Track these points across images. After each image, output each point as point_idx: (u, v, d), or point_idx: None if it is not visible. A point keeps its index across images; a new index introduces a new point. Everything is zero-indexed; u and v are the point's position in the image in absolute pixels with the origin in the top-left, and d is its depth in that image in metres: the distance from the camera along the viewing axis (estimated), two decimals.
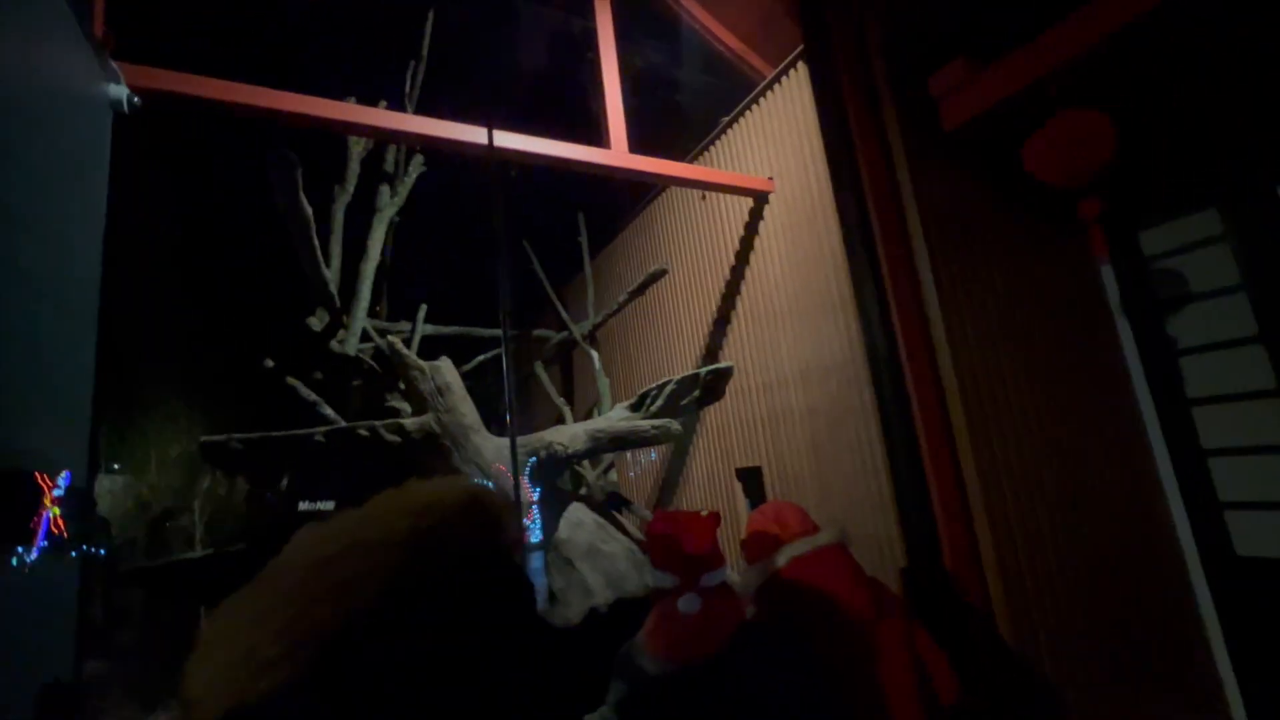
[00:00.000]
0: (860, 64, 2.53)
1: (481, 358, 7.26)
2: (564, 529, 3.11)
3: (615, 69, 4.75)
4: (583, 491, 6.68)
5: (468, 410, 3.26)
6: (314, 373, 4.52)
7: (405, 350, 3.27)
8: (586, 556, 3.05)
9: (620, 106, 4.69)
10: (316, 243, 3.24)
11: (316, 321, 4.38)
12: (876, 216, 2.37)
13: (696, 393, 3.98)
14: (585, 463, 6.76)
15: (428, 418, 3.21)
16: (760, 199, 5.41)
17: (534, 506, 3.13)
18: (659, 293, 7.02)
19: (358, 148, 4.69)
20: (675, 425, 3.60)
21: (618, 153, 4.58)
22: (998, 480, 2.21)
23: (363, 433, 3.05)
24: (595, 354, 6.84)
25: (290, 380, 4.14)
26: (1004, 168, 2.41)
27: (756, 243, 5.57)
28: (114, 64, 3.00)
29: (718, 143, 6.07)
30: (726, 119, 5.76)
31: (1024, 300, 2.57)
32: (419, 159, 5.16)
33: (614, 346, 8.01)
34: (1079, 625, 2.38)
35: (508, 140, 3.92)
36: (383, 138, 4.64)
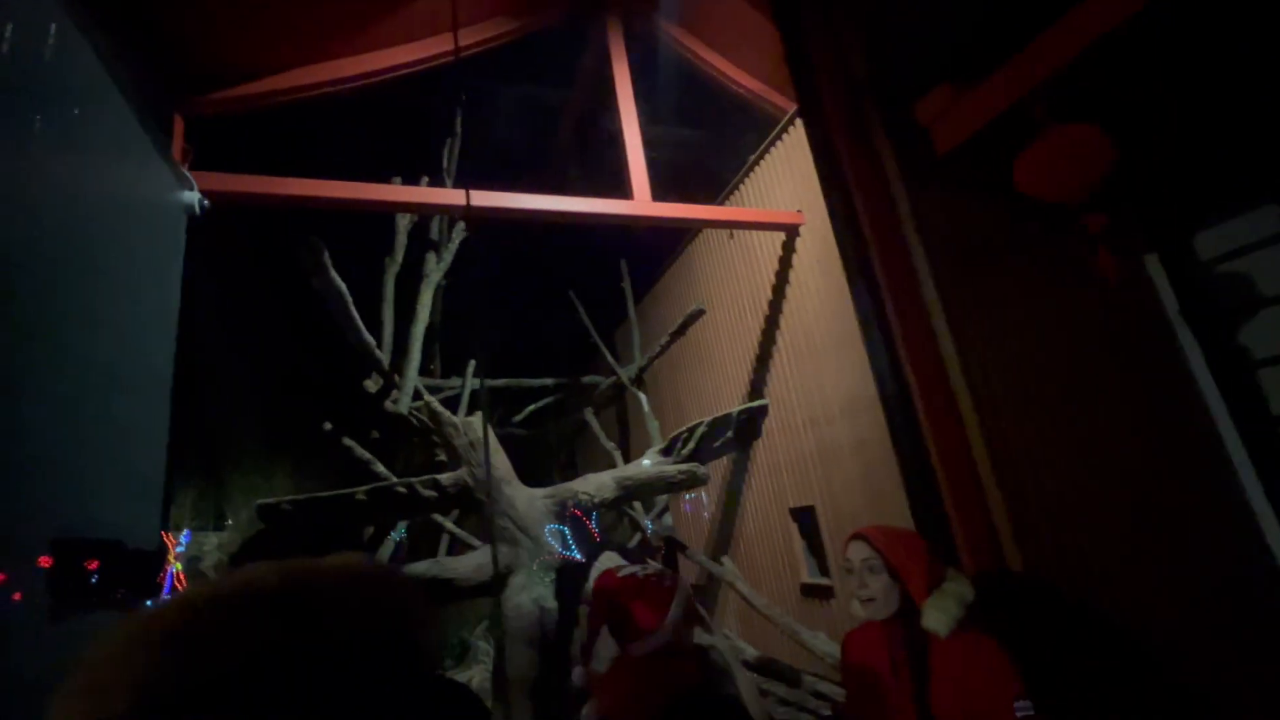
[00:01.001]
0: (849, 97, 2.51)
1: (532, 407, 7.49)
2: (594, 579, 3.11)
3: (635, 121, 4.94)
4: (635, 538, 6.63)
5: (500, 463, 3.36)
6: (371, 432, 4.83)
7: (440, 408, 3.46)
8: None
9: (641, 158, 4.85)
10: (354, 312, 3.53)
11: (372, 384, 4.70)
12: (877, 248, 2.31)
13: (730, 433, 3.92)
14: (638, 505, 6.73)
15: (462, 472, 3.34)
16: (791, 233, 5.38)
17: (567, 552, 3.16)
18: (702, 333, 7.04)
19: (404, 221, 5.11)
20: (702, 470, 3.55)
21: (641, 202, 4.72)
22: (1036, 531, 2.01)
23: (400, 490, 3.21)
24: (644, 397, 6.89)
25: (345, 441, 4.45)
26: (1009, 187, 2.30)
27: (791, 276, 5.51)
28: (187, 172, 3.46)
29: (746, 182, 6.12)
30: (752, 158, 5.82)
31: (1054, 322, 2.39)
32: (460, 226, 5.53)
33: (663, 389, 8.04)
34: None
35: (543, 203, 4.14)
36: (417, 210, 5.02)
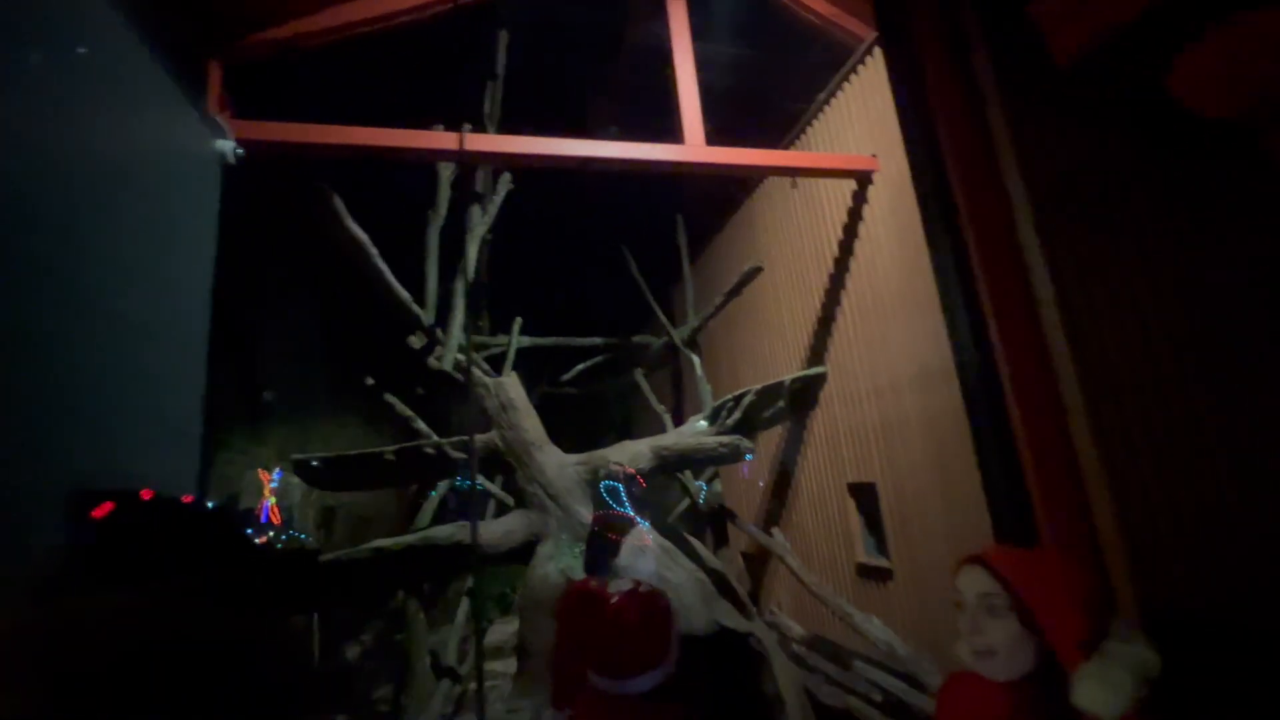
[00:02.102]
0: (941, 2, 2.02)
1: (581, 366, 7.33)
2: (626, 554, 2.93)
3: (689, 55, 4.46)
4: (683, 502, 6.45)
5: (531, 426, 3.20)
6: (416, 389, 4.81)
7: (472, 367, 3.30)
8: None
9: (695, 97, 4.40)
10: (380, 263, 3.38)
11: (416, 340, 4.65)
12: (963, 187, 1.87)
13: (781, 403, 3.57)
14: (688, 472, 6.51)
15: (492, 434, 3.20)
16: (862, 180, 4.81)
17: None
18: (760, 292, 6.58)
19: (446, 172, 4.92)
20: (746, 443, 3.25)
21: (693, 147, 4.30)
22: (1162, 552, 1.58)
23: (429, 451, 3.12)
24: (697, 359, 6.58)
25: (387, 397, 4.43)
26: (1152, 106, 1.78)
27: (861, 229, 4.96)
28: (221, 120, 3.38)
29: (814, 123, 5.51)
30: (821, 96, 5.21)
31: (1201, 286, 1.88)
32: (507, 177, 5.30)
33: (718, 351, 7.68)
34: None
35: (584, 149, 3.81)
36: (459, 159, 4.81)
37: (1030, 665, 1.14)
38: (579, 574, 2.99)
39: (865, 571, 5.04)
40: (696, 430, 3.38)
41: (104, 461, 2.27)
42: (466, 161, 2.65)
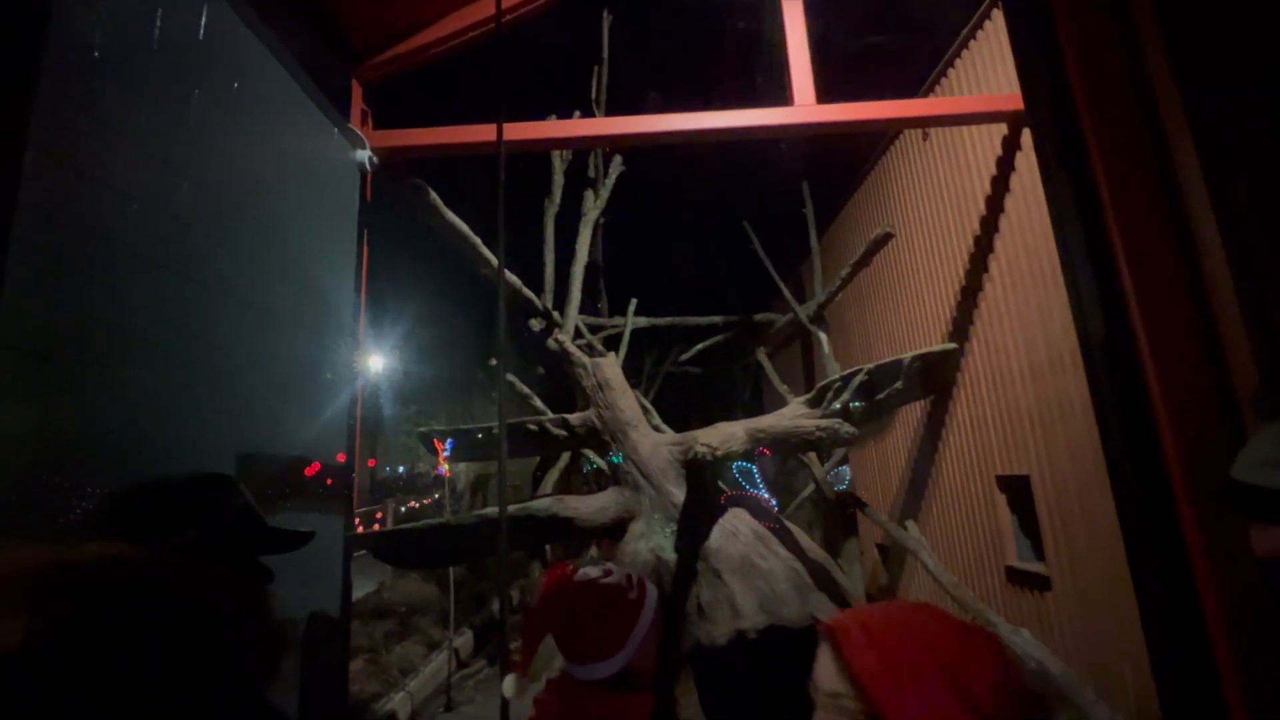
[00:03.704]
0: None
1: (701, 345, 7.22)
2: (716, 537, 2.84)
3: (799, 6, 4.13)
4: (809, 488, 6.13)
5: (627, 405, 3.23)
6: (537, 368, 5.11)
7: (571, 347, 3.41)
8: (739, 571, 2.72)
9: (805, 52, 4.06)
10: (483, 249, 3.57)
11: (536, 323, 4.92)
12: (1088, 104, 1.48)
13: (899, 384, 3.20)
14: (813, 456, 6.18)
15: (590, 413, 3.29)
16: (1014, 124, 4.12)
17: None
18: (894, 261, 5.97)
19: (560, 160, 5.09)
20: (847, 427, 2.95)
21: (803, 108, 3.97)
22: None
23: (531, 427, 3.29)
24: (824, 336, 6.19)
25: (508, 376, 4.75)
26: None
27: (1013, 181, 4.27)
28: (358, 131, 3.81)
29: (954, 68, 4.82)
30: (963, 33, 4.53)
31: None
32: (618, 160, 5.34)
33: (849, 326, 7.13)
34: None
35: (671, 123, 3.73)
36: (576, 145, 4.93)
37: None
38: (669, 553, 2.99)
39: (1017, 577, 4.42)
40: (797, 414, 3.16)
41: (262, 436, 2.68)
42: (510, 151, 2.69)
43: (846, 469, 6.37)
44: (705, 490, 2.99)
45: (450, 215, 3.36)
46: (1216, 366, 1.40)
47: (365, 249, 3.75)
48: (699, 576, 2.84)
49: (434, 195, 3.32)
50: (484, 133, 3.93)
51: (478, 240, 3.35)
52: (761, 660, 2.61)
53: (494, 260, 3.70)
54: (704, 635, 2.71)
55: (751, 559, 2.81)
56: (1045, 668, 3.52)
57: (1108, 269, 1.49)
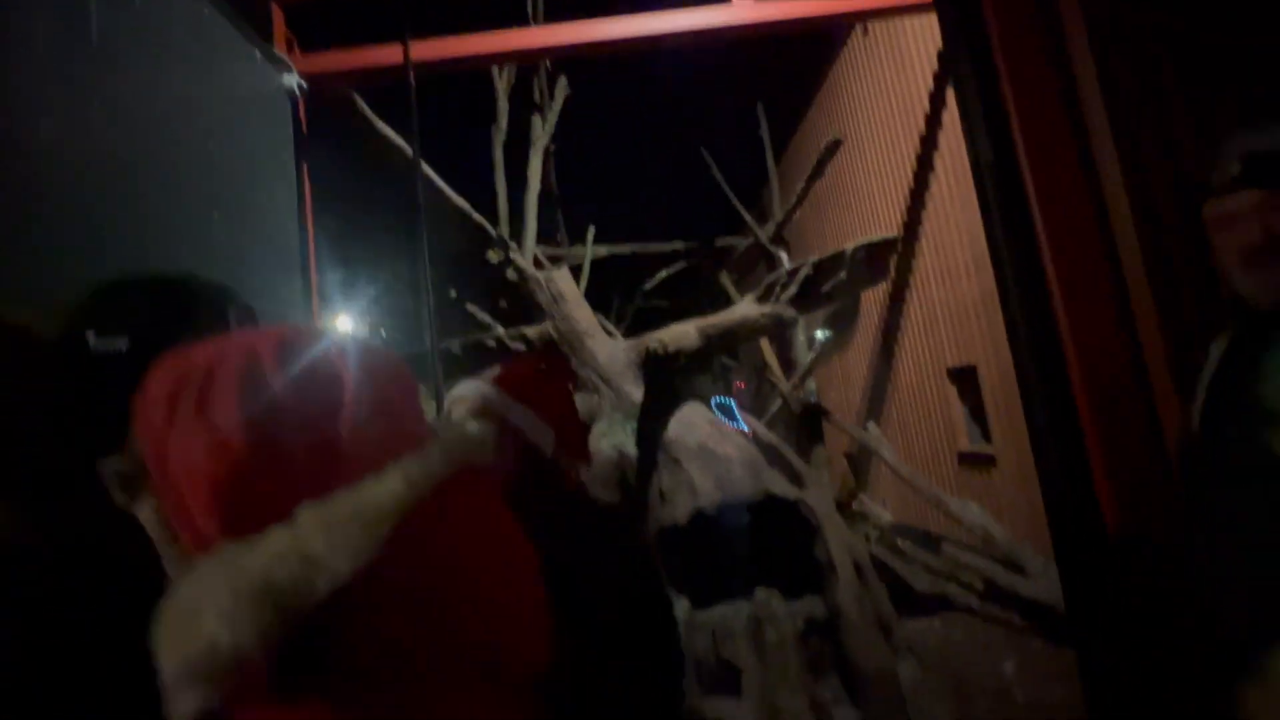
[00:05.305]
0: None
1: (664, 273, 7.27)
2: (674, 428, 2.98)
3: None
4: (777, 403, 6.33)
5: (582, 316, 3.30)
6: (500, 302, 5.12)
7: (524, 263, 3.44)
8: (696, 457, 2.87)
9: None
10: (427, 168, 3.46)
11: (495, 254, 4.90)
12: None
13: (843, 274, 3.30)
14: (779, 373, 6.36)
15: (546, 325, 3.35)
16: None
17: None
18: (848, 170, 6.00)
19: (501, 84, 4.96)
20: (789, 311, 3.06)
21: (741, 6, 3.89)
22: None
23: (490, 343, 3.36)
24: (784, 255, 6.27)
25: (469, 306, 4.77)
26: None
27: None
28: (283, 56, 3.65)
29: None
30: None
31: None
32: (562, 83, 5.21)
33: (809, 241, 7.21)
34: None
35: (601, 30, 3.62)
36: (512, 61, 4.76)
37: None
38: (631, 448, 3.12)
39: (967, 460, 4.70)
40: (745, 308, 3.26)
41: None
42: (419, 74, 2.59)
43: (812, 383, 6.58)
44: (662, 388, 3.10)
45: (385, 128, 3.29)
46: (1114, 268, 1.45)
47: (306, 182, 3.65)
48: (659, 466, 2.98)
49: (361, 103, 3.24)
50: (402, 53, 3.78)
51: (407, 146, 3.24)
52: (718, 533, 2.78)
53: (437, 180, 3.65)
54: (665, 518, 2.86)
55: (708, 445, 2.96)
56: (990, 533, 3.80)
57: (1010, 166, 1.54)
